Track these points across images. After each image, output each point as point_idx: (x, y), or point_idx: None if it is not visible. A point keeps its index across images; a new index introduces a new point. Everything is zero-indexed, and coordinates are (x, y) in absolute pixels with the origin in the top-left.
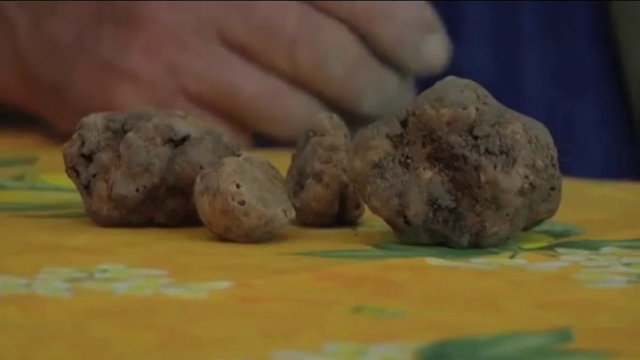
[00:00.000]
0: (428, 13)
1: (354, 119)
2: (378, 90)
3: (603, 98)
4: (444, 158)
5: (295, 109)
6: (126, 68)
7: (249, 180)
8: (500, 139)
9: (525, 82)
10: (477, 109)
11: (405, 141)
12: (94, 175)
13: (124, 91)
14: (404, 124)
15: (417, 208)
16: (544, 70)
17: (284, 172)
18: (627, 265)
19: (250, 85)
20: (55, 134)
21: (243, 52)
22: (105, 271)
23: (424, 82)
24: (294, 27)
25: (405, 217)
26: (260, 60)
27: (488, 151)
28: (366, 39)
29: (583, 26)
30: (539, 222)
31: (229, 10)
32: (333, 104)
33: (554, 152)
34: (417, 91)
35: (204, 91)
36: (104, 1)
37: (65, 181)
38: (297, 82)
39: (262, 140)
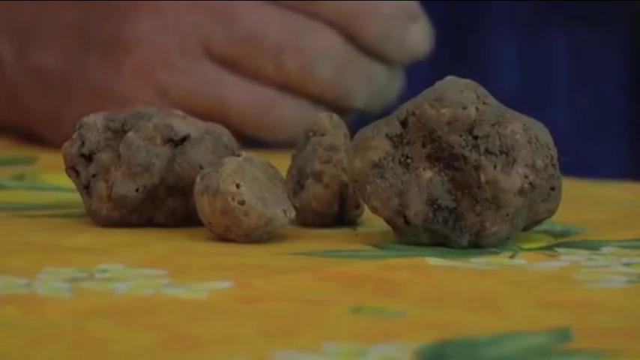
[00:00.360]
0: (409, 2)
1: (346, 113)
2: (367, 84)
3: (631, 146)
4: (444, 158)
5: (288, 114)
6: (118, 95)
7: (249, 180)
8: (500, 139)
9: (553, 128)
10: (477, 109)
11: (404, 141)
12: (93, 175)
13: None
14: (404, 124)
15: (416, 208)
16: (572, 117)
17: (284, 172)
18: (627, 265)
19: (241, 97)
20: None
21: (230, 64)
22: (105, 271)
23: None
24: (277, 34)
25: (404, 217)
26: (248, 70)
27: (488, 151)
28: (351, 37)
29: (613, 75)
30: (539, 222)
31: (212, 24)
32: (325, 105)
33: (554, 152)
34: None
35: (197, 109)
36: (88, 30)
37: (65, 180)
38: (287, 88)
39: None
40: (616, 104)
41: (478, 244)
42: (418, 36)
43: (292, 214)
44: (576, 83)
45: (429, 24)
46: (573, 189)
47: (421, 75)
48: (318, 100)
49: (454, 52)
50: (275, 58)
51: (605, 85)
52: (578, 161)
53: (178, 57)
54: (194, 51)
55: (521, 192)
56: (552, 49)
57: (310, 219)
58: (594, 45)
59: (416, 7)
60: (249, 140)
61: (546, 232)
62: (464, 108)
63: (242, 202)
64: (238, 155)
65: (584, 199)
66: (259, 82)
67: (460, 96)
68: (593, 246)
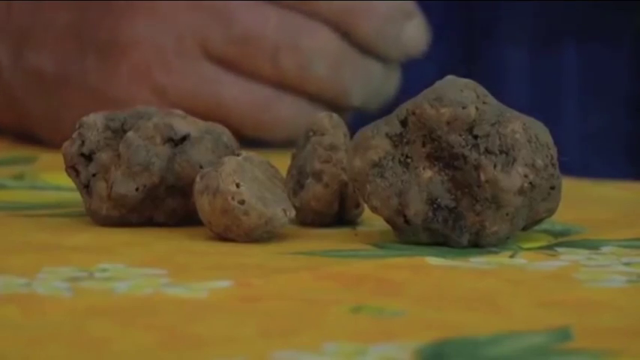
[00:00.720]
0: (404, 0)
1: (343, 111)
2: (364, 82)
3: (636, 164)
4: (444, 157)
5: (286, 113)
6: (116, 97)
7: (248, 179)
8: (500, 139)
9: (561, 146)
10: (477, 108)
11: (404, 140)
12: (93, 175)
13: None
14: (404, 123)
15: (416, 208)
16: (580, 130)
17: (284, 172)
18: (627, 264)
19: (239, 96)
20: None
21: (228, 63)
22: (105, 270)
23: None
24: (274, 33)
25: (404, 216)
26: (245, 70)
27: (488, 151)
28: (347, 35)
29: (621, 88)
30: (539, 221)
31: (209, 24)
32: (322, 103)
33: (553, 151)
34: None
35: (195, 109)
36: (85, 31)
37: (65, 180)
38: (284, 87)
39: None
40: (624, 119)
41: (478, 244)
42: (414, 34)
43: (292, 213)
44: (584, 96)
45: (425, 22)
46: (573, 188)
47: (432, 81)
48: (315, 99)
49: (464, 63)
50: (272, 57)
51: (613, 98)
52: (582, 173)
53: (175, 57)
54: (191, 51)
55: (521, 191)
56: (561, 62)
57: (310, 218)
58: (602, 59)
59: (411, 5)
60: (248, 140)
61: (546, 232)
62: (464, 107)
63: (242, 202)
64: (238, 155)
65: (583, 199)
66: (257, 81)
67: (460, 95)
68: (593, 245)
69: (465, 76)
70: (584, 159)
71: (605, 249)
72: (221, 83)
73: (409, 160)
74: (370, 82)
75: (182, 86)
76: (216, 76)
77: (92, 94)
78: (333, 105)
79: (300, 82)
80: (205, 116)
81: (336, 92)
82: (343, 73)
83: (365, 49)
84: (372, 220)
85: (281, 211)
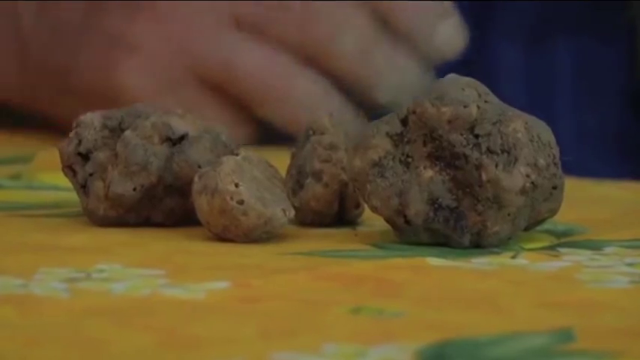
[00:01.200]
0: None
1: (366, 104)
2: (393, 75)
3: (631, 158)
4: (445, 157)
5: (303, 88)
6: (132, 43)
7: (247, 179)
8: (501, 138)
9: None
10: (478, 107)
11: (405, 140)
12: (90, 174)
13: (130, 68)
14: (404, 122)
15: (417, 208)
16: (575, 132)
17: (283, 171)
18: (630, 265)
19: (257, 62)
20: (53, 132)
21: (253, 28)
22: (102, 271)
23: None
24: (304, 1)
25: (405, 216)
26: (270, 35)
27: (489, 150)
28: (384, 21)
29: (615, 89)
30: (541, 221)
31: None
32: (345, 85)
33: (556, 151)
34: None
35: (209, 70)
36: None
37: (62, 180)
38: (308, 57)
39: (266, 133)
40: (618, 116)
41: (479, 244)
42: (449, 33)
43: (291, 213)
44: (579, 93)
45: (462, 24)
46: (575, 188)
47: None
48: (337, 78)
49: (460, 62)
50: (300, 25)
51: (607, 95)
52: (577, 171)
53: (199, 15)
54: (216, 11)
55: (523, 191)
56: (555, 59)
57: (310, 218)
58: (596, 55)
59: (449, 4)
60: (256, 119)
61: (548, 232)
62: (465, 106)
63: (241, 202)
64: (237, 154)
65: (585, 199)
66: (280, 49)
67: (461, 94)
68: (595, 246)
69: (461, 75)
70: (579, 157)
71: (607, 249)
72: (240, 46)
73: (410, 160)
74: (400, 78)
75: (200, 44)
76: (237, 38)
77: (109, 40)
78: (356, 89)
79: (324, 54)
80: (217, 78)
81: (360, 73)
82: (371, 56)
83: (399, 39)
84: (372, 220)
85: (280, 211)
